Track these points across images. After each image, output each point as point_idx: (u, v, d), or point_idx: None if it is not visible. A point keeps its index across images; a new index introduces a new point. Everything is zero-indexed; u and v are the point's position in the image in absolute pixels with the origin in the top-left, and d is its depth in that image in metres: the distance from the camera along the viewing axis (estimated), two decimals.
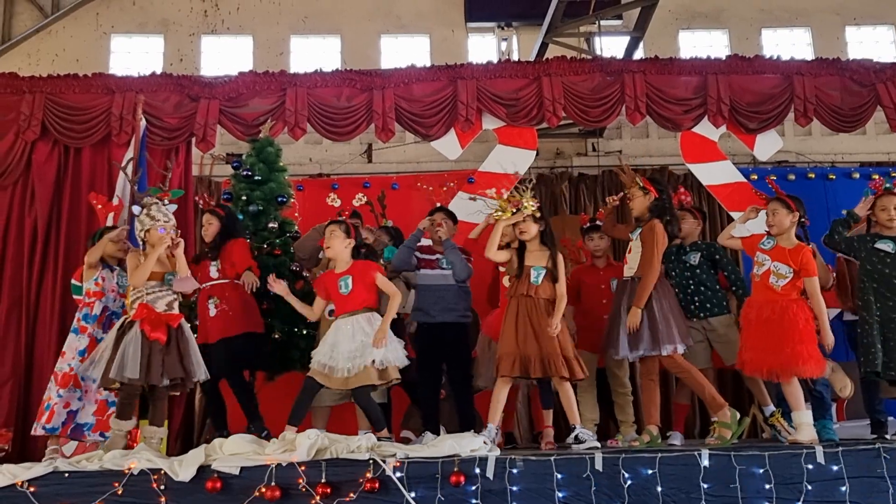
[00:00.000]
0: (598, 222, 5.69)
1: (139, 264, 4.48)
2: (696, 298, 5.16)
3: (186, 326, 4.53)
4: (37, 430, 4.97)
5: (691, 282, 5.18)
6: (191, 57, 10.32)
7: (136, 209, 4.68)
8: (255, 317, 5.10)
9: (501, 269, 5.11)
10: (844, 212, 5.01)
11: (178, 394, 4.93)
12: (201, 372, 4.49)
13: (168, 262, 4.57)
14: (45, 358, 5.81)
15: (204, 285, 5.07)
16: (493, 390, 4.64)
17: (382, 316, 4.52)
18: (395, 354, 4.50)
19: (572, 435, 4.54)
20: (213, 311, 4.99)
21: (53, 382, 5.00)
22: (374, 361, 4.38)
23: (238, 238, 5.27)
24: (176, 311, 4.51)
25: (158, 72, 6.75)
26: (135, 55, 10.39)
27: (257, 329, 5.08)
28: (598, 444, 4.54)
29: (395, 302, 4.58)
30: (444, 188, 5.82)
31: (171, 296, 4.50)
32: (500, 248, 4.85)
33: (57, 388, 4.96)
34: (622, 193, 5.26)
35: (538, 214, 4.76)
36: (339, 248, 4.65)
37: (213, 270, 5.10)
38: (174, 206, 4.73)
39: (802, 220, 4.72)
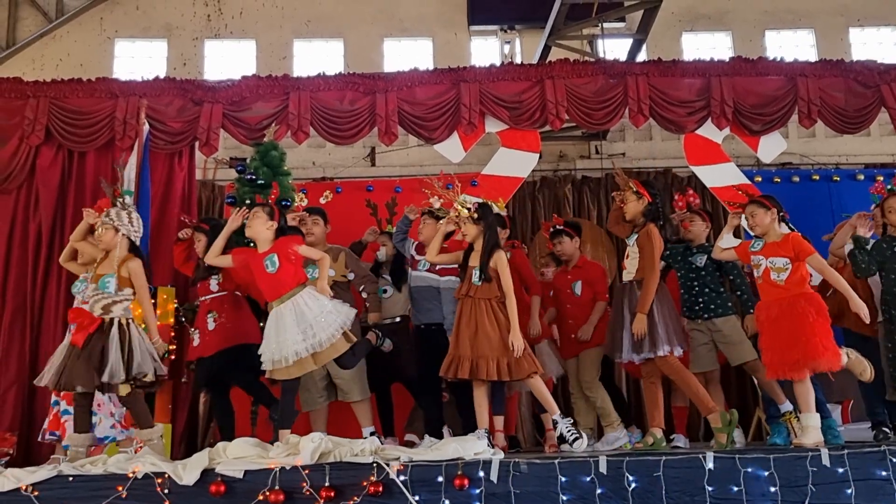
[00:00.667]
0: (558, 227, 5.78)
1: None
2: (700, 300, 5.15)
3: (114, 329, 4.31)
4: (44, 437, 5.04)
5: (696, 283, 5.18)
6: (194, 61, 10.35)
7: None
8: (252, 327, 5.09)
9: None
10: (850, 239, 4.90)
11: (153, 390, 4.84)
12: (106, 374, 4.19)
13: (110, 265, 4.47)
14: None
15: (204, 298, 5.10)
16: (474, 396, 4.61)
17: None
18: (345, 318, 4.43)
19: (556, 431, 4.55)
20: (211, 325, 4.99)
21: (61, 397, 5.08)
22: (337, 332, 4.35)
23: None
24: (112, 314, 4.34)
25: (162, 76, 6.77)
26: (138, 59, 10.42)
27: (254, 340, 4.99)
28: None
29: (325, 263, 4.57)
30: (441, 183, 5.78)
31: (106, 299, 4.36)
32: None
33: (63, 402, 5.05)
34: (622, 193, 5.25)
35: (475, 216, 4.73)
36: (259, 228, 4.56)
37: (214, 284, 5.11)
38: (130, 200, 4.71)
39: (781, 213, 4.71)
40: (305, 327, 4.29)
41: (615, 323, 4.82)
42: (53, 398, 5.13)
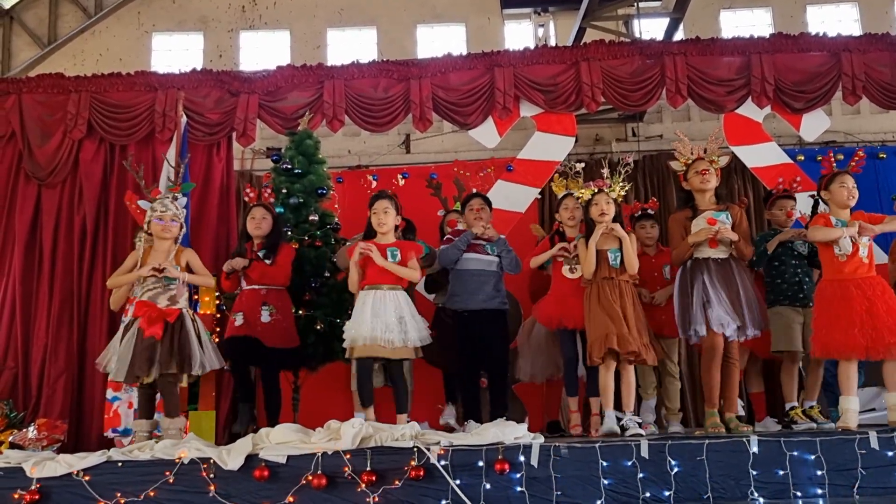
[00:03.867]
0: (649, 211, 5.66)
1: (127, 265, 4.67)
2: (804, 287, 5.08)
3: (188, 319, 4.51)
4: (110, 434, 5.26)
5: (799, 270, 5.13)
6: (230, 53, 10.45)
7: (143, 203, 4.80)
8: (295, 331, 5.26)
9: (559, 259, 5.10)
10: None
11: (183, 385, 4.92)
12: (197, 364, 4.45)
13: (171, 256, 4.59)
14: (97, 351, 5.88)
15: (258, 287, 5.10)
16: (600, 376, 4.61)
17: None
18: (425, 333, 4.59)
19: (620, 422, 4.50)
20: (266, 318, 5.04)
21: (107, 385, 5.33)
22: (418, 339, 4.51)
23: (288, 244, 5.38)
24: (179, 304, 4.52)
25: (199, 68, 6.84)
26: (175, 52, 10.56)
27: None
28: (644, 433, 4.49)
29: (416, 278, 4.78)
30: (482, 174, 5.77)
31: (172, 290, 4.51)
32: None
33: (110, 390, 5.30)
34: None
35: (620, 198, 4.83)
36: (392, 223, 4.71)
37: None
38: (184, 200, 4.81)
39: None
40: (396, 321, 4.45)
41: (734, 299, 4.59)
42: (112, 394, 5.28)
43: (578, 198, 4.98)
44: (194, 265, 4.69)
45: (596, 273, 4.65)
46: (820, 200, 4.82)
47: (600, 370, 4.60)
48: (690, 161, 4.87)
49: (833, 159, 4.79)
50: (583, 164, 5.27)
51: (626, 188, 4.94)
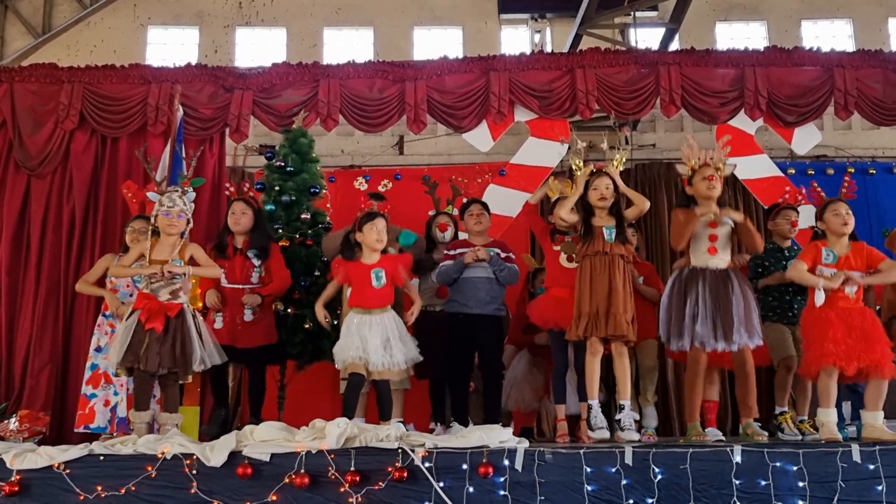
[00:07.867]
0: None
1: (132, 256, 4.61)
2: (795, 305, 5.02)
3: (189, 315, 4.46)
4: (82, 430, 5.16)
5: (791, 287, 5.05)
6: (225, 49, 10.43)
7: (152, 195, 4.73)
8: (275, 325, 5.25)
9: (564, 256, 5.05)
10: None
11: (183, 382, 4.81)
12: (197, 361, 4.42)
13: (176, 251, 4.55)
14: (82, 344, 5.90)
15: (241, 286, 5.09)
16: (586, 364, 4.56)
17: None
18: (414, 353, 4.55)
19: (617, 415, 4.47)
20: (249, 317, 5.02)
21: (85, 382, 5.24)
22: (404, 361, 4.45)
23: (276, 244, 5.36)
24: (180, 299, 4.47)
25: (193, 63, 6.82)
26: (170, 46, 10.54)
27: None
28: (639, 437, 4.49)
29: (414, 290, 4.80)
30: (479, 180, 5.78)
31: (174, 285, 4.47)
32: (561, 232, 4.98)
33: (90, 387, 5.20)
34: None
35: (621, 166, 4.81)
36: (385, 240, 4.67)
37: (255, 276, 5.14)
38: (193, 195, 4.74)
39: None
40: (381, 343, 4.41)
41: (723, 310, 4.49)
42: (91, 391, 5.24)
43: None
44: (199, 259, 4.62)
45: (589, 247, 4.60)
46: (819, 231, 4.77)
47: (587, 357, 4.54)
48: (697, 167, 4.83)
49: (818, 189, 4.80)
50: (586, 144, 5.14)
51: (625, 159, 4.85)
